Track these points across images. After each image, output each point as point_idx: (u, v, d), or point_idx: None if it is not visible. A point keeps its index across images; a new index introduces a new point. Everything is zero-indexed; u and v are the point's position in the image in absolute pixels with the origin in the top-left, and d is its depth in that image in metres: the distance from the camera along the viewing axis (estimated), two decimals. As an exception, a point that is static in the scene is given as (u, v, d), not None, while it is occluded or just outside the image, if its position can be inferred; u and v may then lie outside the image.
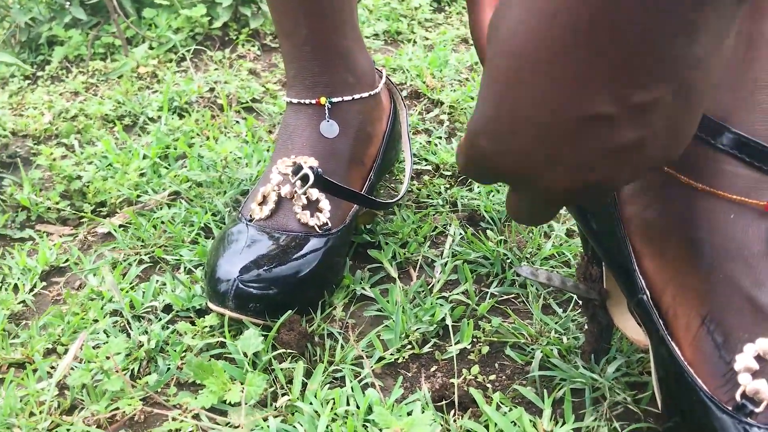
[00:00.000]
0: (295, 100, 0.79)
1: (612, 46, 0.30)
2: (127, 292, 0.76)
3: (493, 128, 0.36)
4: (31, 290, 0.81)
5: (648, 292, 0.52)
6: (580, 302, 0.66)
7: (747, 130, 0.47)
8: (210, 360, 0.63)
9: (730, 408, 0.46)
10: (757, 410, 0.45)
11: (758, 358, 0.46)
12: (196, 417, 0.60)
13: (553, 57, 0.31)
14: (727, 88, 0.48)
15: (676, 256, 0.51)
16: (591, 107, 0.32)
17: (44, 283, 0.82)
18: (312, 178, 0.71)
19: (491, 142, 0.36)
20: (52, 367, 0.67)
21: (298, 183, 0.72)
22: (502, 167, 0.37)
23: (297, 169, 0.72)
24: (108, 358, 0.63)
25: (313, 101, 0.78)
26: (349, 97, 0.79)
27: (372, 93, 0.81)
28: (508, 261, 0.77)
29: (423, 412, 0.57)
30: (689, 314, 0.51)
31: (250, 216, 0.74)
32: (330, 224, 0.74)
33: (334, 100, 0.78)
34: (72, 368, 0.65)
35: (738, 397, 0.46)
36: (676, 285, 0.51)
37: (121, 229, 0.88)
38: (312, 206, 0.74)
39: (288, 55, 0.79)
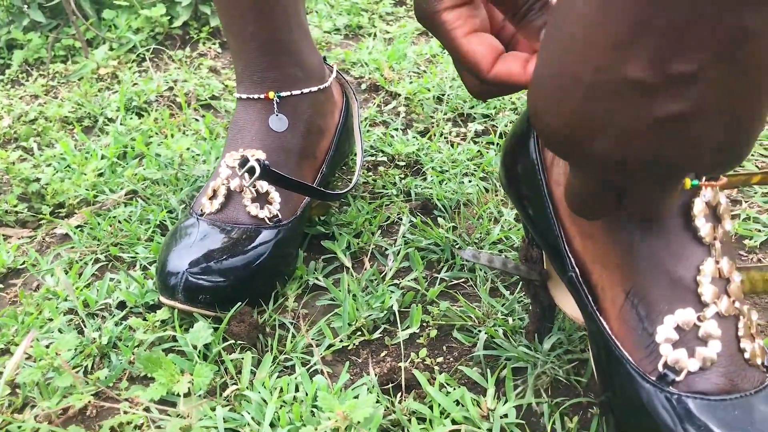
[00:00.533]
0: (244, 96, 0.79)
1: (653, 11, 0.30)
2: (81, 290, 0.76)
3: (545, 85, 0.36)
4: (-12, 293, 0.81)
5: (577, 270, 0.54)
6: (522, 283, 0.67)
7: None
8: (159, 353, 0.64)
9: (653, 378, 0.48)
10: (678, 379, 0.47)
11: (678, 328, 0.48)
12: (147, 410, 0.61)
13: (599, 16, 0.32)
14: None
15: (600, 234, 0.52)
16: (628, 71, 0.32)
17: (1, 285, 0.82)
18: (258, 170, 0.71)
19: (543, 101, 0.37)
20: (4, 367, 0.68)
21: (246, 176, 0.73)
22: (554, 127, 0.36)
23: (243, 161, 0.73)
24: (58, 354, 0.64)
25: (262, 96, 0.78)
26: (298, 92, 0.79)
27: (321, 87, 0.82)
28: (458, 247, 0.78)
29: (368, 394, 0.58)
30: (615, 289, 0.52)
31: (201, 210, 0.75)
32: (280, 216, 0.75)
33: (283, 94, 0.79)
34: (23, 367, 0.66)
35: (660, 368, 0.48)
36: (603, 262, 0.53)
37: (78, 229, 0.89)
38: (262, 198, 0.75)
39: (236, 51, 0.79)
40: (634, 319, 0.51)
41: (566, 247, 0.55)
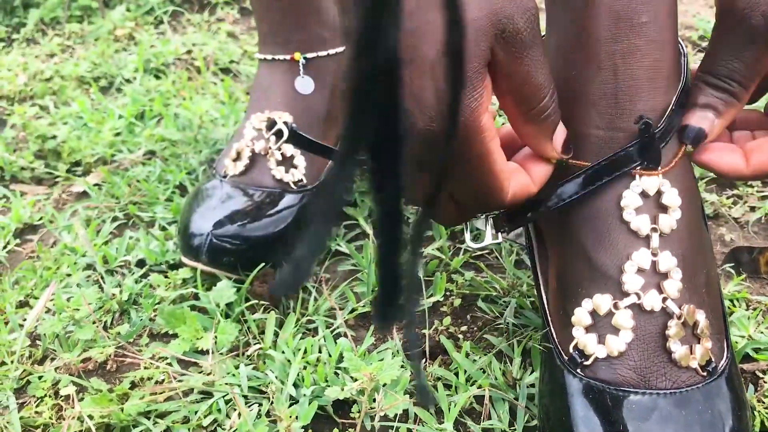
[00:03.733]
0: (268, 57, 0.78)
1: None
2: (100, 247, 0.75)
3: None
4: (5, 247, 0.80)
5: (534, 243, 0.57)
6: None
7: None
8: (183, 308, 0.63)
9: (566, 359, 0.48)
10: (586, 363, 0.47)
11: (593, 313, 0.48)
12: (168, 366, 0.60)
13: None
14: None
15: (550, 214, 0.53)
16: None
17: (18, 240, 0.81)
18: (286, 133, 0.70)
19: None
20: (24, 319, 0.67)
21: (272, 138, 0.72)
22: None
23: (271, 124, 0.72)
24: (77, 309, 0.63)
25: (287, 57, 0.77)
26: (324, 53, 0.78)
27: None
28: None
29: (393, 359, 0.57)
30: (552, 268, 0.54)
31: (224, 172, 0.74)
32: (305, 180, 0.74)
33: (309, 55, 0.77)
34: (43, 319, 0.65)
35: (571, 349, 0.48)
36: (551, 239, 0.54)
37: (96, 187, 0.88)
38: (287, 162, 0.74)
39: (260, 12, 0.78)
40: (560, 300, 0.51)
41: (530, 225, 0.58)
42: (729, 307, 0.63)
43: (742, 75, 0.45)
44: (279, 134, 0.71)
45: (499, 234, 0.55)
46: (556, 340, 0.50)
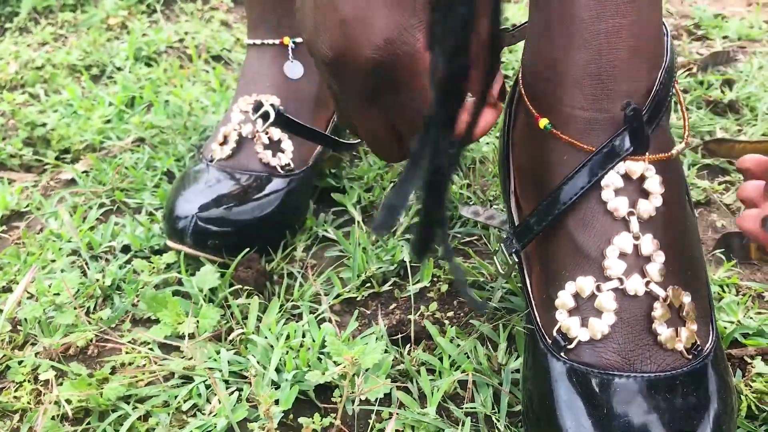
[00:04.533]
0: (258, 42, 0.77)
1: None
2: (85, 233, 0.75)
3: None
4: (-9, 233, 0.79)
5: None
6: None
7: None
8: (165, 293, 0.62)
9: (549, 342, 0.48)
10: (569, 346, 0.47)
11: (576, 296, 0.47)
12: (150, 351, 0.59)
13: None
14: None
15: (531, 197, 0.52)
16: None
17: (4, 227, 0.81)
18: (273, 115, 0.69)
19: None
20: (5, 304, 0.66)
21: (259, 121, 0.71)
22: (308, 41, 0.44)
23: (257, 106, 0.71)
24: (58, 294, 0.62)
25: (277, 41, 0.76)
26: (314, 38, 0.77)
27: (337, 33, 0.79)
28: (471, 203, 0.76)
29: (376, 343, 0.57)
30: (534, 254, 0.53)
31: (211, 156, 0.73)
32: (293, 165, 0.73)
33: (298, 40, 0.76)
34: (25, 304, 0.64)
35: (554, 333, 0.47)
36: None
37: (84, 174, 0.87)
38: (274, 146, 0.73)
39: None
40: (543, 282, 0.50)
41: (512, 204, 0.57)
42: (719, 293, 0.62)
43: None
44: (266, 117, 0.71)
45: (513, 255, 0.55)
46: (539, 323, 0.50)
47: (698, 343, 0.46)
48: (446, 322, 0.62)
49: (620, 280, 0.46)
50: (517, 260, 0.54)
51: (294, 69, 0.76)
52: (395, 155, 0.50)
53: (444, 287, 0.66)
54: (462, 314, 0.63)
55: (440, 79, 0.27)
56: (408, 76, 0.42)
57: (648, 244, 0.46)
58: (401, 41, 0.40)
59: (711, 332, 0.48)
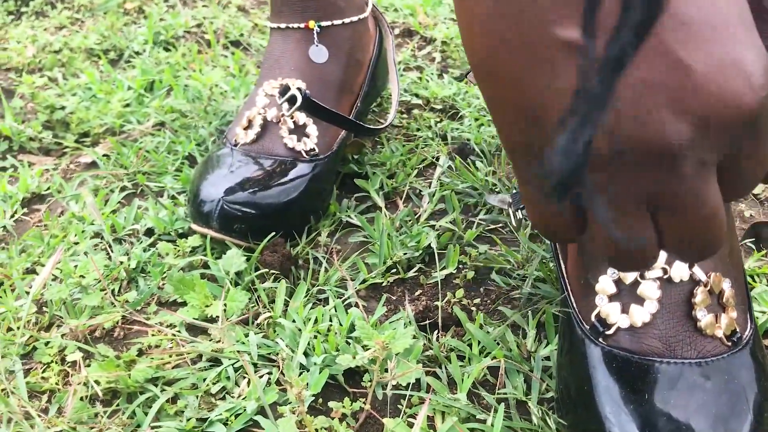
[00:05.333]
0: (282, 25, 0.76)
1: None
2: (108, 216, 0.74)
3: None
4: (12, 216, 0.79)
5: None
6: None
7: None
8: (193, 275, 0.62)
9: (587, 327, 0.47)
10: (608, 332, 0.46)
11: (617, 282, 0.47)
12: (177, 333, 0.59)
13: None
14: None
15: None
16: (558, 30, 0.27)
17: (25, 210, 0.80)
18: (300, 99, 0.69)
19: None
20: (31, 286, 0.66)
21: (285, 105, 0.70)
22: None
23: (284, 90, 0.70)
24: (83, 276, 0.62)
25: (302, 25, 0.75)
26: (339, 21, 0.76)
27: (361, 17, 0.79)
28: (497, 191, 0.76)
29: (405, 328, 0.56)
30: None
31: (235, 140, 0.73)
32: (317, 150, 0.72)
33: (324, 24, 0.76)
34: (50, 286, 0.64)
35: (593, 318, 0.47)
36: None
37: (105, 157, 0.87)
38: (299, 131, 0.72)
39: None
40: (581, 267, 0.50)
41: None
42: (750, 283, 0.62)
43: None
44: (292, 101, 0.70)
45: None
46: (576, 309, 0.49)
47: (737, 330, 0.46)
48: (473, 309, 0.62)
49: (664, 269, 0.46)
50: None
51: (319, 53, 0.76)
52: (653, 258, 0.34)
53: (470, 274, 0.65)
54: (489, 301, 0.63)
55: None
56: None
57: None
58: None
59: (749, 320, 0.47)
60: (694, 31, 0.27)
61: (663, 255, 0.46)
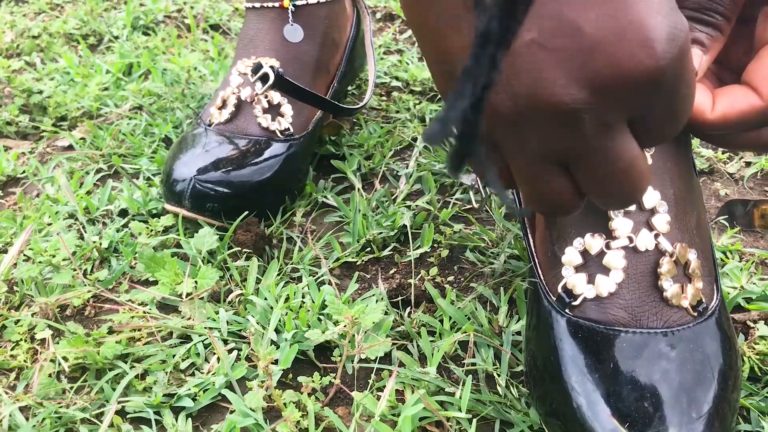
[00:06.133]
0: (257, 5, 0.76)
1: None
2: (82, 197, 0.74)
3: None
4: (-14, 199, 0.78)
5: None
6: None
7: None
8: (164, 253, 0.61)
9: (554, 299, 0.47)
10: (575, 303, 0.46)
11: (584, 252, 0.47)
12: (148, 311, 0.59)
13: None
14: None
15: None
16: None
17: (0, 193, 0.80)
18: (272, 78, 0.68)
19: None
20: None
21: (258, 84, 0.70)
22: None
23: (257, 67, 0.69)
24: (54, 255, 0.62)
25: (276, 4, 0.75)
26: (314, 1, 0.76)
27: (338, -3, 0.78)
28: (471, 171, 0.75)
29: (376, 304, 0.56)
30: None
31: (210, 120, 0.72)
32: (292, 129, 0.72)
33: (298, 3, 0.75)
34: (21, 265, 0.63)
35: (559, 289, 0.47)
36: None
37: (81, 140, 0.86)
38: (273, 110, 0.72)
39: None
40: (548, 240, 0.50)
41: None
42: (722, 259, 0.62)
43: (727, 6, 0.43)
44: (265, 79, 0.69)
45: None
46: (543, 281, 0.49)
47: (703, 300, 0.46)
48: (447, 286, 0.62)
49: (629, 238, 0.46)
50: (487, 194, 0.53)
51: (294, 32, 0.75)
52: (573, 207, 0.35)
53: (444, 252, 0.65)
54: (462, 279, 0.63)
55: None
56: (691, 77, 0.31)
57: (649, 195, 0.46)
58: (682, 28, 0.28)
59: (715, 291, 0.47)
60: None
61: (627, 223, 0.46)
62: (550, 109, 0.28)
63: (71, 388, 0.52)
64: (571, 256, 0.47)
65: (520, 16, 0.23)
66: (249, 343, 0.55)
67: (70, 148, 0.86)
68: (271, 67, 0.69)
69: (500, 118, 0.30)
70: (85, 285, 0.62)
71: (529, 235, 0.53)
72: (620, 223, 0.46)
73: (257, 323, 0.56)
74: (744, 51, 0.44)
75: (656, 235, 0.45)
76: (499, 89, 0.29)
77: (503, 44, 0.23)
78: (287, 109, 0.72)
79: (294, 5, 0.75)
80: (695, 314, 0.45)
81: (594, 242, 0.46)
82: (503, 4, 0.22)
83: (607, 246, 0.46)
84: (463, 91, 0.24)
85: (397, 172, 0.77)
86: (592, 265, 0.46)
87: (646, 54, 0.27)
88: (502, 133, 0.31)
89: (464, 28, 0.30)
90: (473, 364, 0.52)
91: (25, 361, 0.55)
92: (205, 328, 0.56)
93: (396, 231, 0.68)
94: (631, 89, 0.28)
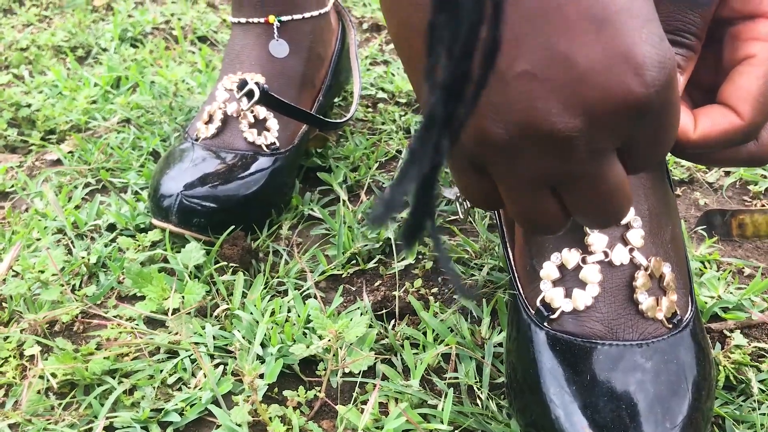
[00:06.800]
0: (242, 20, 0.77)
1: None
2: (71, 212, 0.74)
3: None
4: (-25, 213, 0.79)
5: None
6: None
7: None
8: (151, 268, 0.62)
9: (533, 312, 0.48)
10: (552, 316, 0.47)
11: (561, 267, 0.48)
12: (135, 327, 0.60)
13: None
14: None
15: None
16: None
17: (-12, 207, 0.80)
18: (257, 94, 0.69)
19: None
20: (-9, 282, 0.66)
21: (244, 99, 0.71)
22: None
23: (242, 84, 0.71)
24: (42, 271, 0.62)
25: (262, 20, 0.76)
26: (299, 16, 0.77)
27: (322, 12, 0.79)
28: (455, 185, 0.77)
29: (361, 317, 0.57)
30: (518, 227, 0.53)
31: (196, 135, 0.73)
32: (278, 144, 0.73)
33: (284, 18, 0.76)
34: (10, 281, 0.64)
35: (538, 303, 0.48)
36: None
37: (69, 154, 0.87)
38: (259, 125, 0.73)
39: None
40: (527, 254, 0.51)
41: None
42: (700, 269, 0.63)
43: (698, 26, 0.44)
44: (250, 95, 0.70)
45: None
46: (522, 295, 0.50)
47: (678, 313, 0.47)
48: (431, 298, 0.63)
49: (605, 253, 0.47)
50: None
51: (280, 48, 0.76)
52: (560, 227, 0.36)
53: (429, 264, 0.66)
54: (446, 290, 0.64)
55: (445, 80, 0.25)
56: (677, 105, 0.32)
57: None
58: (670, 57, 0.29)
59: (690, 303, 0.49)
60: (572, 23, 0.28)
61: (602, 239, 0.47)
62: (544, 137, 0.29)
63: (60, 404, 0.53)
64: (548, 270, 0.48)
65: (468, 102, 0.23)
66: (235, 358, 0.56)
67: (59, 161, 0.87)
68: (257, 83, 0.70)
69: (491, 145, 0.31)
70: (74, 301, 0.63)
71: (509, 248, 0.54)
72: (596, 238, 0.47)
73: (243, 338, 0.57)
74: (712, 70, 0.45)
75: (631, 250, 0.47)
76: (490, 117, 0.30)
77: (448, 131, 0.23)
78: (273, 123, 0.73)
79: (279, 21, 0.76)
80: (670, 326, 0.46)
81: (570, 257, 0.48)
82: (450, 86, 0.22)
83: (584, 260, 0.47)
84: (408, 173, 0.24)
85: (383, 184, 0.78)
86: (569, 279, 0.48)
87: (637, 82, 0.28)
88: (492, 159, 0.32)
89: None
90: (455, 376, 0.53)
91: (14, 377, 0.56)
92: (192, 343, 0.56)
93: (381, 243, 0.68)
94: (621, 116, 0.29)
